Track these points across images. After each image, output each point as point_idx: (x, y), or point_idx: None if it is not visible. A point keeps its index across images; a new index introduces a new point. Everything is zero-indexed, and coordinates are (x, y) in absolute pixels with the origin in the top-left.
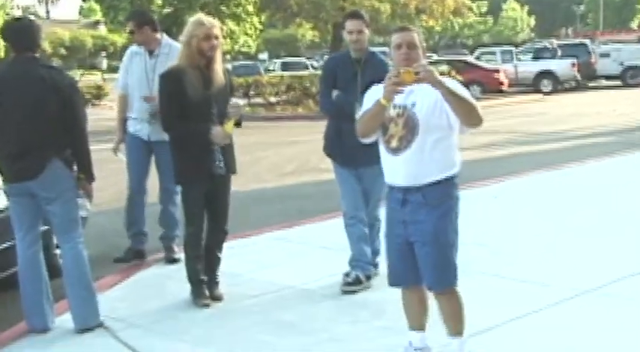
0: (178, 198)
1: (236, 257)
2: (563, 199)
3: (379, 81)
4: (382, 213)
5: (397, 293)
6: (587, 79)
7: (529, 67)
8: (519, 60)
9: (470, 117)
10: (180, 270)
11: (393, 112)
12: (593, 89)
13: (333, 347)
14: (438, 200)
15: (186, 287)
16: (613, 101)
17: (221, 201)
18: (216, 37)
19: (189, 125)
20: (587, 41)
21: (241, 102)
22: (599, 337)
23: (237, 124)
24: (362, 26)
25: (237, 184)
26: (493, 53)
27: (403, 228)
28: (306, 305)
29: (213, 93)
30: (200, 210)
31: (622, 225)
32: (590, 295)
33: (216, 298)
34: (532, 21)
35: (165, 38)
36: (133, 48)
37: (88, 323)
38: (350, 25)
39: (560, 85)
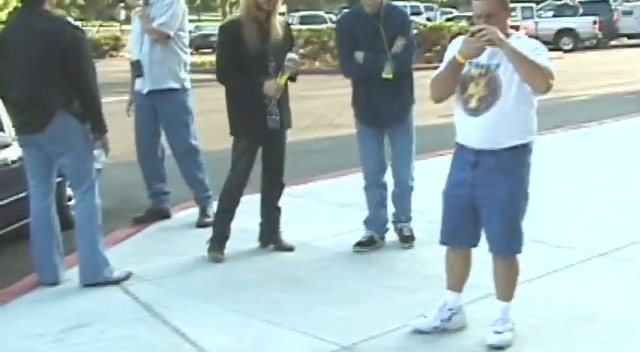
0: (195, 157)
1: (249, 212)
2: (583, 160)
3: (403, 33)
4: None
5: (408, 252)
6: (609, 37)
7: (549, 24)
8: (540, 17)
9: (532, 79)
10: (193, 226)
11: (474, 71)
12: (614, 48)
13: (344, 306)
14: (512, 166)
15: (201, 244)
16: (634, 60)
17: (277, 154)
18: None
19: (244, 78)
20: None
21: (297, 56)
22: (610, 299)
23: (292, 79)
24: None
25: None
26: (513, 9)
27: (470, 190)
28: (319, 262)
29: (271, 46)
30: (246, 163)
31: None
32: (605, 257)
33: (286, 248)
34: None
35: None
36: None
37: (94, 278)
38: None
39: (580, 43)
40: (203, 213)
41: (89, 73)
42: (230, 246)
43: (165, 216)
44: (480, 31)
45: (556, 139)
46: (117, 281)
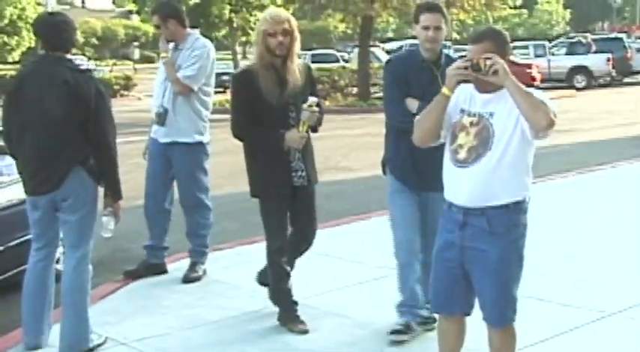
0: (203, 213)
1: (240, 266)
2: (596, 206)
3: None
4: None
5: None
6: (623, 74)
7: (562, 62)
8: (553, 54)
9: (533, 112)
10: (180, 281)
11: (466, 119)
12: (628, 85)
13: None
14: (504, 227)
15: (185, 301)
16: None
17: (306, 214)
18: (287, 33)
19: (262, 132)
20: (622, 35)
21: (316, 99)
22: None
23: (314, 129)
24: (441, 21)
25: (244, 184)
26: (526, 47)
27: (459, 253)
28: (308, 323)
29: (290, 95)
30: (281, 226)
31: None
32: (614, 318)
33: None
34: (567, 14)
35: (194, 32)
36: (171, 45)
37: (76, 349)
38: (427, 19)
39: (594, 81)
40: (192, 267)
41: (110, 131)
42: (214, 302)
43: (161, 271)
44: (487, 58)
45: (567, 183)
46: (92, 349)
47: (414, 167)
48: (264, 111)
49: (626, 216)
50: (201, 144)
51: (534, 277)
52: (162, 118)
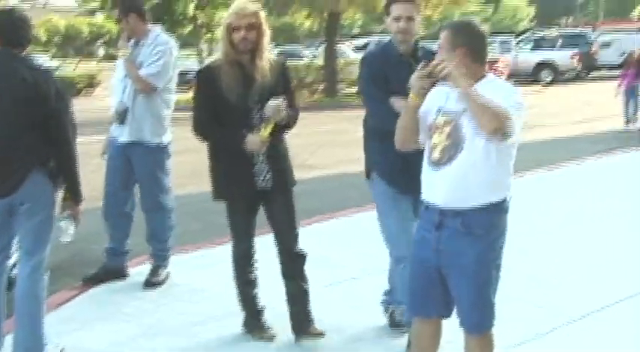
0: (164, 215)
1: (203, 269)
2: (564, 203)
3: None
4: None
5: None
6: (588, 69)
7: (528, 57)
8: (518, 50)
9: (479, 117)
10: (141, 287)
11: (440, 119)
12: (593, 80)
13: None
14: (483, 229)
15: (146, 307)
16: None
17: (278, 219)
18: (253, 27)
19: (223, 132)
20: (587, 31)
21: (281, 101)
22: None
23: (287, 126)
24: (412, 11)
25: (207, 184)
26: (492, 43)
27: (435, 256)
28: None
29: (256, 93)
30: (245, 230)
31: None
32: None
33: (318, 334)
34: (532, 10)
35: (155, 28)
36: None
37: None
38: (398, 9)
39: (560, 76)
40: (154, 272)
41: (70, 132)
42: (177, 308)
43: (121, 275)
44: (438, 64)
45: (534, 180)
46: None
47: (406, 170)
48: (225, 110)
49: (585, 214)
50: (162, 145)
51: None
52: (122, 117)
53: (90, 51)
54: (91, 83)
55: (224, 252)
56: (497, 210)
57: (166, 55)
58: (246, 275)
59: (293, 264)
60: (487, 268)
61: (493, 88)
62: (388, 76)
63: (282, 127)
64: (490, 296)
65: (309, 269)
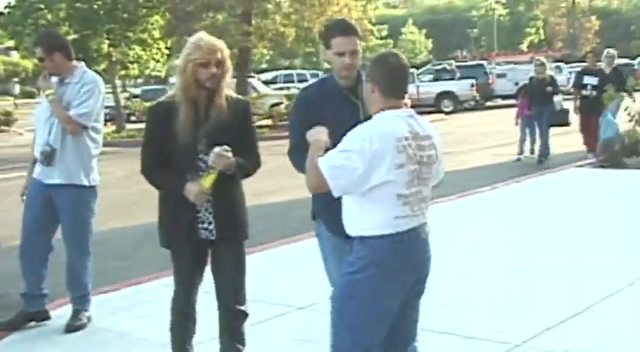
0: (86, 258)
1: (126, 310)
2: (482, 229)
3: None
4: None
5: None
6: (485, 98)
7: (430, 88)
8: (420, 81)
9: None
10: (60, 331)
11: None
12: (490, 108)
13: None
14: (352, 257)
15: None
16: (511, 120)
17: (223, 274)
18: (219, 64)
19: (166, 176)
20: (483, 62)
21: (225, 148)
22: None
23: (247, 174)
24: (356, 44)
25: (129, 219)
26: None
27: None
28: None
29: (209, 134)
30: (187, 279)
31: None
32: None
33: None
34: (429, 44)
35: (81, 65)
36: (54, 78)
37: None
38: (341, 44)
39: (460, 105)
40: (75, 315)
41: None
42: None
43: (42, 319)
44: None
45: (451, 207)
46: None
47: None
48: (174, 151)
49: (485, 242)
50: (90, 185)
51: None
52: (49, 158)
53: (5, 89)
54: (7, 120)
55: (149, 291)
56: (362, 243)
57: (95, 94)
58: (182, 332)
59: (233, 322)
60: (339, 300)
61: None
62: (326, 114)
63: (242, 174)
64: (337, 332)
65: (251, 301)
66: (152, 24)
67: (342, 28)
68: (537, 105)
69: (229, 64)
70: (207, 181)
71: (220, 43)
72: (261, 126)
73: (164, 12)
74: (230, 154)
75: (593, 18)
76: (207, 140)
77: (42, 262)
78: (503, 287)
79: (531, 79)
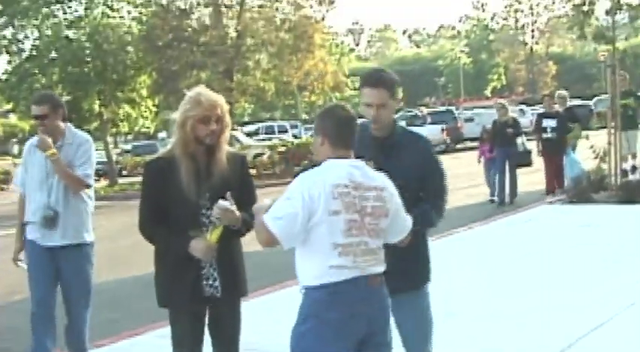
0: (87, 312)
1: None
2: (464, 269)
3: (418, 170)
4: None
5: None
6: (455, 141)
7: None
8: None
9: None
10: None
11: None
12: (460, 151)
13: None
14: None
15: None
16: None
17: (221, 331)
18: (219, 120)
19: (167, 234)
20: (452, 108)
21: (229, 203)
22: None
23: (238, 233)
24: (385, 98)
25: (123, 271)
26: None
27: None
28: None
29: (212, 189)
30: (189, 341)
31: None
32: None
33: None
34: (400, 92)
35: (68, 126)
36: (33, 140)
37: None
38: (368, 96)
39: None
40: None
41: None
42: None
43: None
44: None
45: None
46: None
47: None
48: (174, 208)
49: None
50: (91, 241)
51: None
52: (52, 222)
53: (5, 149)
54: (6, 179)
55: (145, 344)
56: (305, 297)
57: (91, 150)
58: None
59: None
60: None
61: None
62: (362, 155)
63: (240, 233)
64: None
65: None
66: (140, 83)
67: (370, 81)
68: (500, 148)
69: (228, 119)
70: (214, 236)
71: (220, 99)
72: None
73: (151, 72)
74: (235, 208)
75: (551, 63)
76: (210, 195)
77: (53, 322)
78: (483, 329)
79: (495, 122)
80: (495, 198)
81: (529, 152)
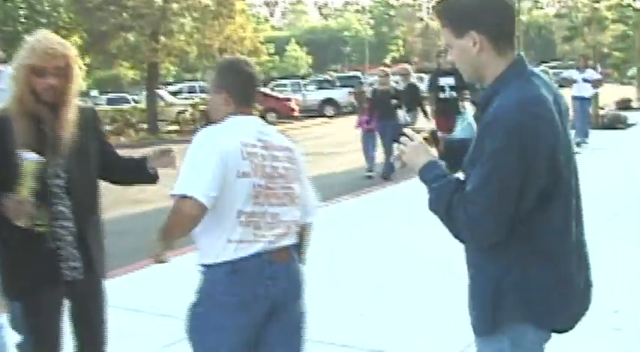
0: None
1: None
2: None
3: None
4: None
5: None
6: (360, 103)
7: (315, 96)
8: (306, 90)
9: None
10: None
11: None
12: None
13: None
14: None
15: None
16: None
17: (87, 318)
18: (62, 73)
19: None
20: (358, 73)
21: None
22: None
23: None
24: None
25: None
26: (284, 85)
27: None
28: None
29: (60, 155)
30: (53, 332)
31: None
32: None
33: None
34: (310, 59)
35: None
36: None
37: None
38: None
39: (340, 110)
40: None
41: None
42: None
43: None
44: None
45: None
46: None
47: None
48: (10, 175)
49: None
50: None
51: None
52: None
53: None
54: None
55: None
56: (202, 275)
57: None
58: None
59: None
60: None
61: None
62: None
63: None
64: None
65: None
66: (72, 43)
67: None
68: (380, 120)
69: (77, 72)
70: (23, 192)
71: (63, 47)
72: (169, 131)
73: (82, 32)
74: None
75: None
76: (63, 165)
77: None
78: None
79: (375, 90)
80: (372, 174)
81: (411, 125)
